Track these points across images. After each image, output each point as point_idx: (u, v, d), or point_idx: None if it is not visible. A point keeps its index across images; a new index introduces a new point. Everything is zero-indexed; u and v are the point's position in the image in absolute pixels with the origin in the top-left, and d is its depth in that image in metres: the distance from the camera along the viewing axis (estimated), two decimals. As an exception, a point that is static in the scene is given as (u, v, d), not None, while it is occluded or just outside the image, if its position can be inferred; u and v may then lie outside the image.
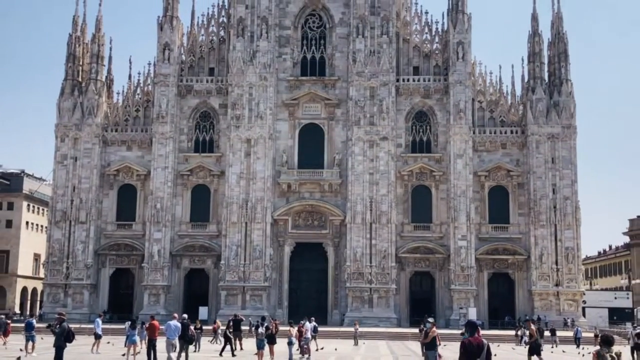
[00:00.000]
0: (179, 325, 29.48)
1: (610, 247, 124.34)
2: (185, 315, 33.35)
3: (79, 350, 35.32)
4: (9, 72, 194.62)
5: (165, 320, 43.13)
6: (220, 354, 35.91)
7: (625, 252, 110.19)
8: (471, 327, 13.24)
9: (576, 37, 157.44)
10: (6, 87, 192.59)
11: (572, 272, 68.90)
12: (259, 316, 54.24)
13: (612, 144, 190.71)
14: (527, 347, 31.74)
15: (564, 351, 45.47)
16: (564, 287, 68.33)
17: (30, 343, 36.09)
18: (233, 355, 35.80)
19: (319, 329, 50.63)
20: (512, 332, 55.55)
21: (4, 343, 44.31)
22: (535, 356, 30.33)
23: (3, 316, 53.97)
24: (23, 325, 42.54)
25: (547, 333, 51.44)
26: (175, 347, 28.83)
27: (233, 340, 40.64)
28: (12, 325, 49.53)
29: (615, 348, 13.49)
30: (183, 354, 30.36)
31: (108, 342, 42.77)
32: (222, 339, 47.42)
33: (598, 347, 13.47)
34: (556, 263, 68.57)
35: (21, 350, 35.72)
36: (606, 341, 13.35)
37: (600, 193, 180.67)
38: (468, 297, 67.79)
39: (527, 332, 50.98)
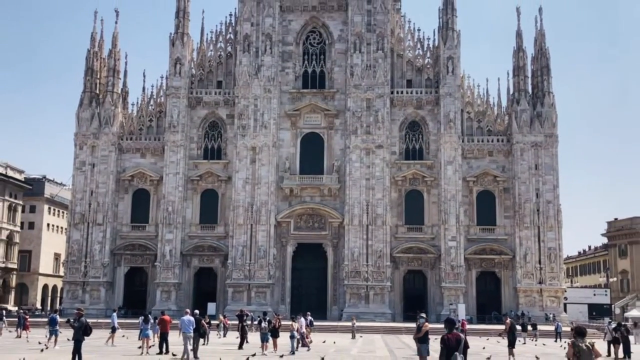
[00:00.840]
0: (192, 319, 29.58)
1: (589, 247, 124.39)
2: (197, 311, 33.34)
3: (96, 343, 35.32)
4: (31, 85, 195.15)
5: (176, 316, 43.05)
6: (240, 347, 35.62)
7: (604, 252, 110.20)
8: (450, 324, 13.86)
9: (559, 51, 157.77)
10: (29, 98, 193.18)
11: (554, 270, 68.90)
12: (263, 312, 54.17)
13: (591, 151, 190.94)
14: (507, 339, 31.85)
15: (544, 344, 45.43)
16: (547, 284, 68.33)
17: (53, 337, 36.09)
18: (240, 347, 35.75)
19: (319, 323, 50.77)
20: (499, 327, 55.32)
21: (19, 336, 44.22)
22: (511, 347, 30.47)
23: (21, 311, 53.96)
24: (46, 320, 42.50)
25: (529, 328, 51.44)
26: (191, 340, 28.89)
27: (240, 334, 40.67)
28: (30, 319, 49.53)
29: (593, 340, 13.58)
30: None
31: (123, 336, 42.75)
32: (224, 333, 47.65)
33: (573, 339, 13.67)
34: (539, 262, 68.58)
35: (40, 343, 35.77)
36: (580, 332, 13.60)
37: (580, 197, 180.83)
38: (457, 294, 67.80)
39: (517, 326, 51.24)
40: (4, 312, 55.66)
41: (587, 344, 13.30)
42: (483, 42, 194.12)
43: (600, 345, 37.47)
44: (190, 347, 28.51)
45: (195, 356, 28.55)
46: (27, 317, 48.68)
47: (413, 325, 32.38)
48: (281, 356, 30.21)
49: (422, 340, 24.08)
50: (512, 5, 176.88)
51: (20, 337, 44.13)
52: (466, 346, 13.28)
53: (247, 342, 38.88)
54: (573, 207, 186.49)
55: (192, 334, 28.92)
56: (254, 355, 30.23)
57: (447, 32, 72.53)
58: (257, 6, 73.60)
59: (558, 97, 73.49)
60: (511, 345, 30.89)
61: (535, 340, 48.95)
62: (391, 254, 69.17)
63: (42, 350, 31.96)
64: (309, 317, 41.87)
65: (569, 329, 52.02)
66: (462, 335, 13.43)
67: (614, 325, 37.34)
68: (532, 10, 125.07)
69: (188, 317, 29.51)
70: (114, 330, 38.17)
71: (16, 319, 48.96)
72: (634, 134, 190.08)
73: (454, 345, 13.06)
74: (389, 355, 33.86)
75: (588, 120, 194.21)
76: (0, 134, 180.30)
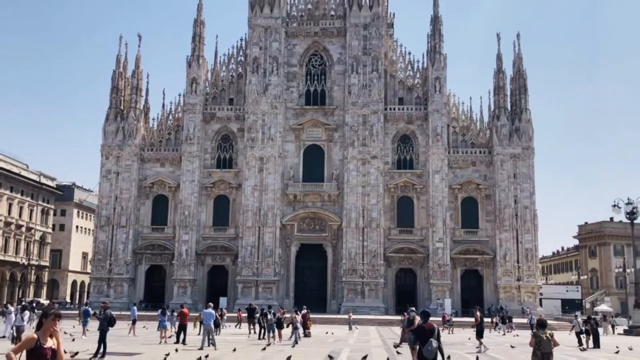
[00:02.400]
0: (214, 312, 29.39)
1: (562, 248, 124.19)
2: (212, 304, 33.16)
3: (119, 333, 35.18)
4: (62, 102, 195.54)
5: (192, 309, 42.66)
6: (264, 338, 35.00)
7: (575, 252, 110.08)
8: (425, 315, 14.42)
9: (536, 71, 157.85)
10: (60, 114, 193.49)
11: (531, 269, 68.70)
12: (268, 305, 53.96)
13: (565, 161, 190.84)
14: (475, 330, 31.76)
15: (517, 335, 45.08)
16: (524, 281, 68.12)
17: (85, 327, 35.87)
18: (260, 337, 35.02)
19: (320, 316, 50.46)
20: (487, 320, 55.10)
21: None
22: (479, 338, 30.45)
23: (45, 304, 53.83)
24: (75, 312, 42.19)
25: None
26: (211, 331, 28.76)
27: (248, 326, 40.40)
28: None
29: (564, 330, 13.75)
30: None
31: (144, 327, 42.57)
32: (236, 325, 47.38)
33: (535, 330, 13.82)
34: (517, 261, 68.39)
35: (65, 332, 35.54)
36: (541, 324, 13.78)
37: (554, 203, 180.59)
38: (444, 290, 67.58)
39: (499, 319, 50.95)
40: (34, 304, 55.59)
41: (547, 334, 13.54)
42: (467, 64, 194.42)
43: (566, 336, 37.36)
44: (209, 336, 28.34)
45: (212, 343, 28.25)
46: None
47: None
48: (293, 346, 29.84)
49: (413, 331, 23.99)
50: (493, 31, 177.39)
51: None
52: (439, 334, 13.85)
53: (255, 332, 38.57)
54: (548, 212, 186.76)
55: (212, 326, 28.74)
56: (269, 344, 30.07)
57: (435, 56, 72.60)
58: (265, 32, 73.74)
59: (534, 112, 73.50)
60: (479, 335, 30.92)
61: (511, 332, 48.70)
62: (384, 253, 68.98)
63: (73, 339, 31.81)
64: (304, 310, 41.10)
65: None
66: (435, 325, 13.95)
67: (580, 318, 37.20)
68: (511, 35, 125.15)
69: (210, 310, 29.31)
70: (134, 321, 38.05)
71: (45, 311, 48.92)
72: (603, 147, 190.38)
73: (427, 333, 13.55)
74: (382, 344, 33.70)
75: (562, 133, 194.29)
76: (35, 145, 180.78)
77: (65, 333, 35.48)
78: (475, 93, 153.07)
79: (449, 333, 45.24)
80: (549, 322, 51.24)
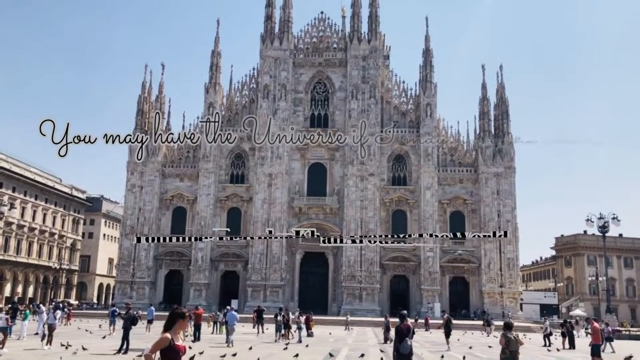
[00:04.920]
0: (236, 314, 29.23)
1: (541, 258, 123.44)
2: (235, 307, 32.99)
3: (139, 332, 35.02)
4: (91, 123, 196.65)
5: (206, 310, 42.30)
6: (284, 336, 34.48)
7: (552, 262, 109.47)
8: (401, 317, 14.91)
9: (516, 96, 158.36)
10: (92, 134, 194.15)
11: (512, 276, 68.35)
12: (277, 307, 53.68)
13: (543, 179, 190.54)
14: (444, 331, 32.05)
15: (495, 336, 44.72)
16: (506, 288, 67.73)
17: (112, 326, 35.79)
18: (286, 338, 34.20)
19: (321, 317, 50.12)
20: (468, 322, 54.77)
21: (65, 324, 43.72)
22: (447, 338, 30.84)
23: (66, 304, 53.68)
24: (100, 312, 42.01)
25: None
26: (231, 330, 28.59)
27: (257, 326, 40.06)
28: (73, 311, 49.28)
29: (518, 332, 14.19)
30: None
31: (163, 326, 42.23)
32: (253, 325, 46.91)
33: (504, 331, 14.04)
34: (500, 270, 68.06)
35: (86, 330, 35.39)
36: (508, 326, 14.08)
37: (533, 216, 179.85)
38: (434, 295, 67.20)
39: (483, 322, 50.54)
40: (61, 304, 55.51)
41: (514, 335, 13.79)
42: (456, 91, 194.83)
43: (520, 335, 37.00)
44: (232, 337, 28.18)
45: (227, 342, 28.05)
46: (70, 308, 48.58)
47: (397, 320, 32.12)
48: (306, 346, 29.50)
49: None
50: (479, 62, 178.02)
51: (70, 325, 43.64)
52: (413, 332, 14.54)
53: (263, 332, 38.29)
54: (528, 225, 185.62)
55: (234, 327, 28.52)
56: (287, 343, 29.90)
57: (426, 84, 72.90)
58: (275, 62, 74.26)
59: (516, 134, 73.47)
60: (447, 335, 31.13)
61: (490, 333, 48.26)
62: (380, 261, 68.73)
63: (104, 337, 31.67)
64: (297, 313, 40.66)
65: (523, 324, 51.45)
66: (411, 326, 14.48)
67: (549, 322, 37.25)
68: (495, 66, 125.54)
69: (233, 312, 29.12)
70: (150, 321, 38.00)
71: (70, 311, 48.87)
72: (579, 166, 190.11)
73: (404, 332, 14.06)
74: (377, 344, 33.54)
75: (541, 153, 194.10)
76: (68, 161, 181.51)
77: (86, 330, 35.31)
78: (462, 117, 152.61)
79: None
80: (529, 325, 50.77)
